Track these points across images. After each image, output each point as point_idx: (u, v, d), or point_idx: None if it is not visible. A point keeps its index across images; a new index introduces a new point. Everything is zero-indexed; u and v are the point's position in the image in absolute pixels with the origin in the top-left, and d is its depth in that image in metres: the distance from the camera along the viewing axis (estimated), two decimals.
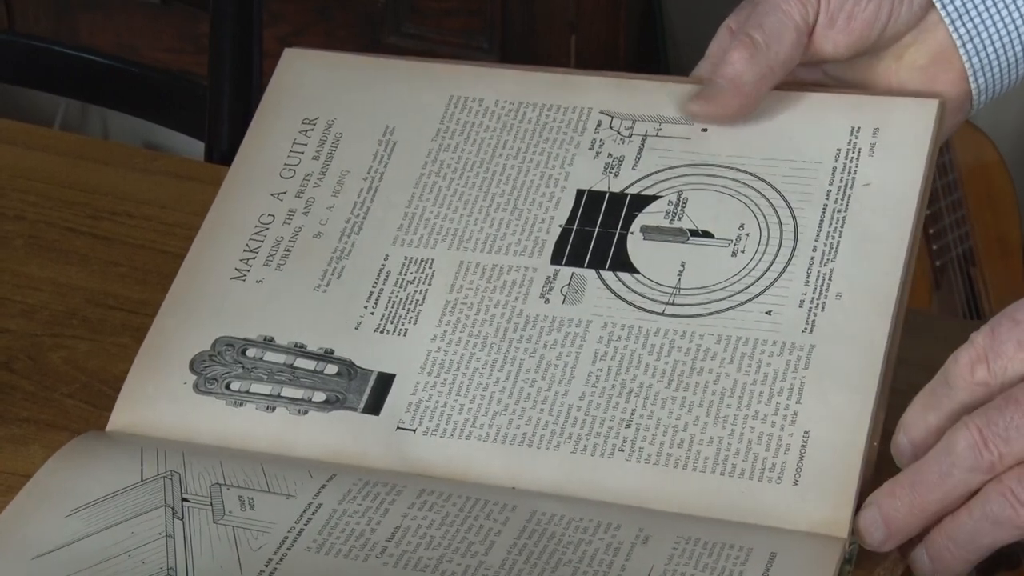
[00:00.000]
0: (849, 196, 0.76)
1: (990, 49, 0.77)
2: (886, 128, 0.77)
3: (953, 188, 1.79)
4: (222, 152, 1.18)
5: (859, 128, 0.78)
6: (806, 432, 0.70)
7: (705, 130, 0.80)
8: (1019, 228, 1.96)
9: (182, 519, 0.70)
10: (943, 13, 0.77)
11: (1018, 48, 0.77)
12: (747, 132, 0.79)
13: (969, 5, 0.76)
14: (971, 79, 0.78)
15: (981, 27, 0.77)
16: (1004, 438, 0.64)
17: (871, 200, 0.76)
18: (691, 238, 0.77)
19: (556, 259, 0.77)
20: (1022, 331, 0.65)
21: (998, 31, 0.77)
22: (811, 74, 0.81)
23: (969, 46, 0.77)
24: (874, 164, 0.77)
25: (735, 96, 0.77)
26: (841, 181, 0.77)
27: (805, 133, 0.78)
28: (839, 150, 0.78)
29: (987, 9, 0.76)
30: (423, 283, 0.77)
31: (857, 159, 0.77)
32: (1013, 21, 0.77)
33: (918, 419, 0.67)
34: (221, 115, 1.17)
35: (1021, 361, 0.65)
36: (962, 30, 0.77)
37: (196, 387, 0.76)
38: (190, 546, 0.69)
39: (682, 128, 0.80)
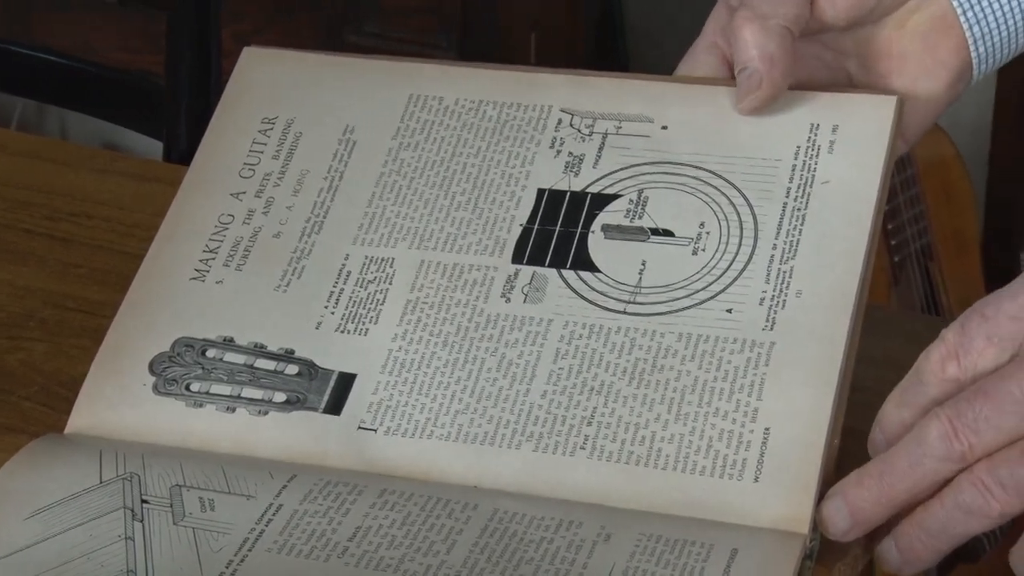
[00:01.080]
0: (809, 194, 0.76)
1: (991, 18, 0.77)
2: (845, 125, 0.78)
3: (911, 183, 1.80)
4: (181, 152, 1.17)
5: (818, 125, 0.78)
6: (767, 429, 0.70)
7: (665, 128, 0.80)
8: (976, 223, 1.97)
9: (142, 521, 0.70)
10: None
11: (1018, 17, 0.77)
12: (707, 130, 0.79)
13: None
14: (972, 48, 0.77)
15: None
16: (974, 429, 0.64)
17: (830, 197, 0.76)
18: (652, 237, 0.77)
19: (517, 258, 0.77)
20: (991, 326, 0.65)
21: (999, 1, 0.77)
22: (810, 47, 0.80)
23: (970, 14, 0.77)
24: (833, 161, 0.77)
25: (772, 69, 0.76)
26: (801, 179, 0.77)
27: (765, 131, 0.78)
28: (798, 147, 0.78)
29: None
30: (384, 282, 0.77)
31: (817, 156, 0.77)
32: None
33: (892, 415, 0.68)
34: (179, 115, 1.17)
35: (990, 356, 0.65)
36: None
37: (156, 388, 0.75)
38: (150, 548, 0.69)
39: (642, 126, 0.80)
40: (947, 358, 0.66)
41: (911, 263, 1.85)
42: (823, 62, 0.81)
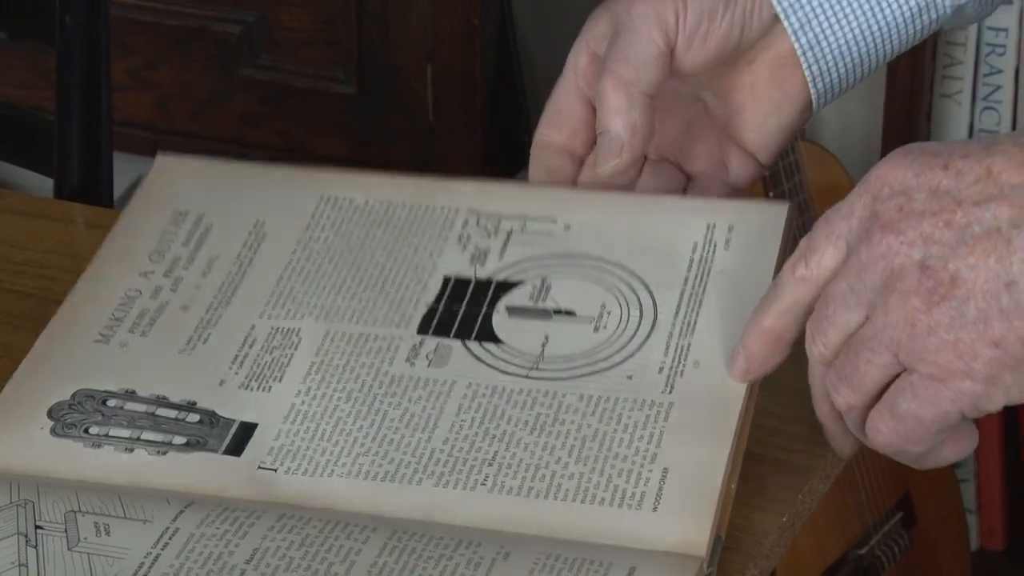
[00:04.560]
0: (706, 282, 0.79)
1: (828, 58, 0.84)
2: (739, 225, 0.81)
3: (804, 209, 1.81)
4: (72, 188, 1.15)
5: (715, 225, 0.81)
6: (665, 468, 0.71)
7: (568, 227, 0.83)
8: None
9: (36, 547, 0.68)
10: (786, 24, 0.83)
11: (854, 55, 0.84)
12: (609, 229, 0.82)
13: (811, 16, 0.83)
14: (811, 84, 0.84)
15: (821, 37, 0.83)
16: (821, 330, 0.70)
17: (727, 283, 0.79)
18: (554, 316, 0.79)
19: (423, 330, 0.78)
20: (830, 226, 0.71)
21: (837, 41, 0.83)
22: (668, 82, 0.84)
23: (809, 55, 0.84)
24: (729, 255, 0.80)
25: (633, 137, 0.81)
26: (699, 269, 0.80)
27: (665, 231, 0.81)
28: (696, 243, 0.81)
29: (827, 20, 0.83)
30: (289, 348, 0.78)
31: (713, 252, 0.80)
32: (849, 32, 0.83)
33: (751, 326, 0.73)
34: (70, 150, 1.14)
35: (830, 254, 0.71)
36: (803, 40, 0.83)
37: (53, 431, 0.75)
38: (43, 574, 0.67)
39: (546, 225, 0.83)
40: (797, 261, 0.72)
41: None
42: (680, 95, 0.86)
